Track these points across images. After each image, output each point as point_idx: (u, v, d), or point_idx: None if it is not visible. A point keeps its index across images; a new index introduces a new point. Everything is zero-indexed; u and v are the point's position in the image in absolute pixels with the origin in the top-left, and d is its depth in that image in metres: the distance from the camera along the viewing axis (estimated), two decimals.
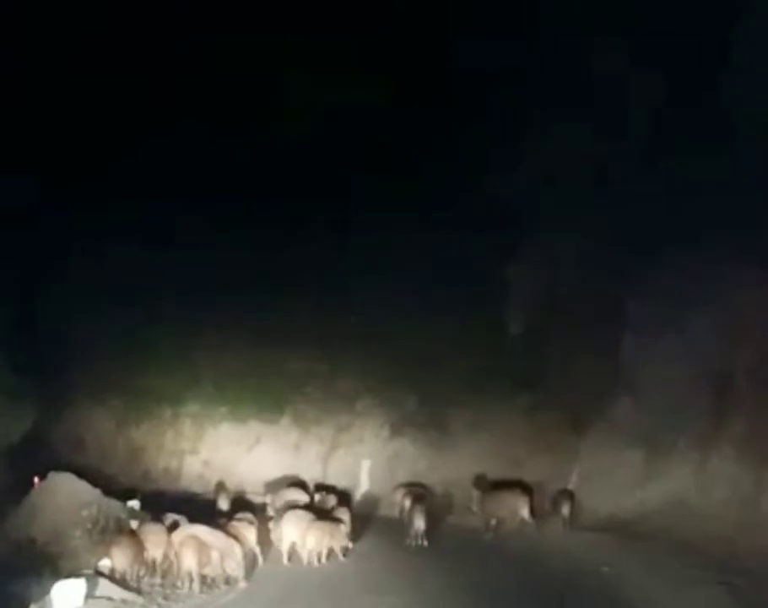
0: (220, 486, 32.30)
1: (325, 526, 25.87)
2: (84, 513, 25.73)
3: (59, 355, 33.81)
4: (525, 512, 28.75)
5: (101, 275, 33.75)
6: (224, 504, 30.59)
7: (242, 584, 23.30)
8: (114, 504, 27.27)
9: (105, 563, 23.21)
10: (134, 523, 25.91)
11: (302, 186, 32.84)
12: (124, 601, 21.43)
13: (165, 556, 24.00)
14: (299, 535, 25.49)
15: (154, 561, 23.95)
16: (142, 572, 23.63)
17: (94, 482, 27.50)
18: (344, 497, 31.53)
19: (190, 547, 23.13)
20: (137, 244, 33.30)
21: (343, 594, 22.31)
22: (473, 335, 33.28)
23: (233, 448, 35.06)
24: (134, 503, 28.25)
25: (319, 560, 25.34)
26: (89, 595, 20.86)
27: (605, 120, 29.75)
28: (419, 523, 27.41)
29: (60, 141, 32.36)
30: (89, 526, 25.43)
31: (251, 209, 32.94)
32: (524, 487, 29.78)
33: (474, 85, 31.48)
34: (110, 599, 21.36)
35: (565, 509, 29.17)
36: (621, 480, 29.86)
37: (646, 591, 21.02)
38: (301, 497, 30.14)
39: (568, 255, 31.50)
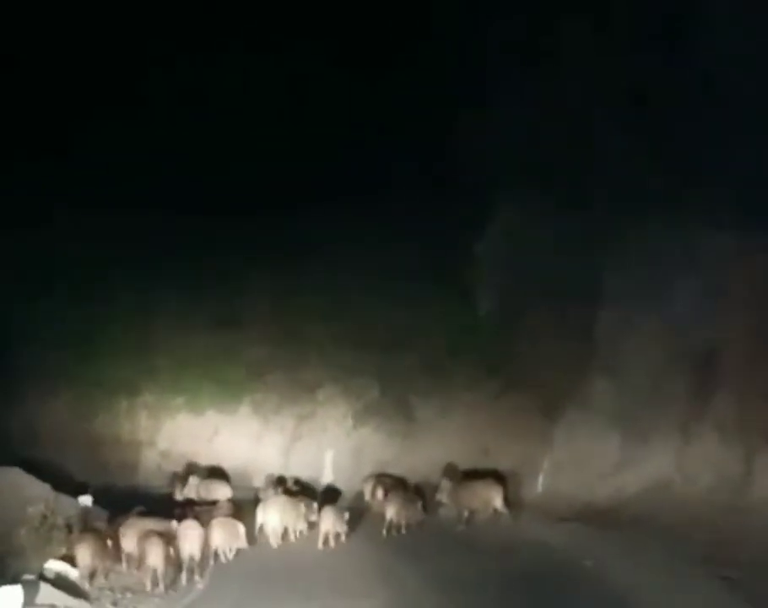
0: (177, 477, 30.35)
1: (336, 510, 25.15)
2: (31, 509, 22.94)
3: (8, 346, 31.29)
4: (498, 502, 26.55)
5: (49, 262, 31.60)
6: (181, 495, 29.12)
7: (200, 585, 21.15)
8: (64, 500, 24.84)
9: (51, 566, 20.90)
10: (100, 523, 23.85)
11: (253, 165, 31.00)
12: None
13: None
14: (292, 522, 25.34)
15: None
16: (107, 571, 21.72)
17: (47, 477, 25.43)
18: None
19: (154, 543, 21.11)
20: (86, 228, 31.10)
21: (313, 594, 19.83)
22: (439, 316, 31.44)
23: (191, 440, 32.45)
24: (86, 499, 25.92)
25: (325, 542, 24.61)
26: (29, 602, 18.49)
27: (577, 81, 27.74)
28: (390, 514, 25.82)
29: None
30: (37, 524, 22.69)
31: (202, 192, 30.96)
32: (497, 477, 27.69)
33: (437, 45, 29.60)
34: (52, 606, 18.96)
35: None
36: (597, 467, 27.90)
37: (638, 589, 18.59)
38: (227, 492, 28.53)
39: (539, 226, 29.23)
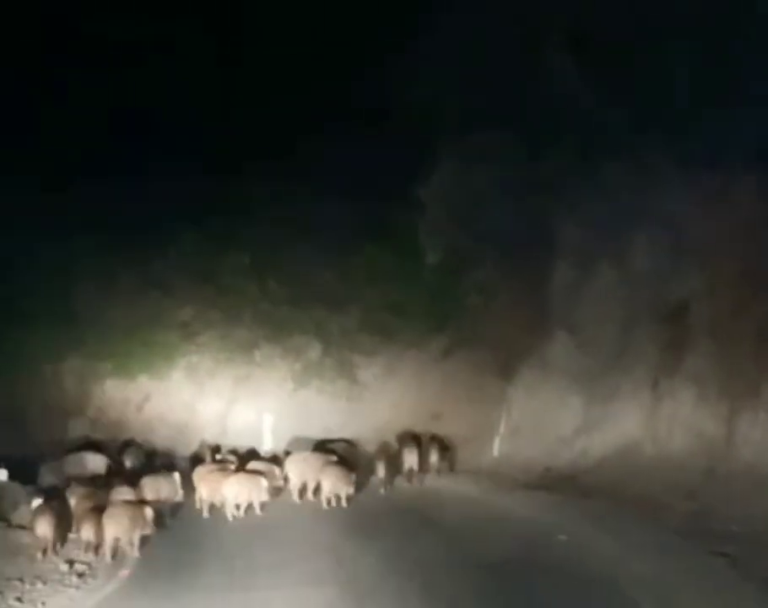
0: (128, 444, 27.52)
1: (340, 470, 23.27)
2: None
3: None
4: (414, 462, 25.43)
5: None
6: (129, 462, 26.33)
7: (124, 572, 17.70)
8: None
9: None
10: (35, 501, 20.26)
11: (174, 119, 27.82)
12: None
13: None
14: (312, 477, 23.43)
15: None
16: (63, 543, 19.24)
17: None
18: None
19: (114, 515, 18.66)
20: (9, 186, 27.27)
21: (254, 582, 16.22)
22: (382, 267, 29.07)
23: (121, 407, 29.62)
24: (0, 473, 22.74)
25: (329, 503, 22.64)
26: None
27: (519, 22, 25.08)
28: (381, 472, 24.53)
29: None
30: None
31: (131, 148, 27.87)
32: (415, 438, 26.48)
33: None
34: None
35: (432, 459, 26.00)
36: (558, 430, 25.54)
37: (625, 567, 15.37)
38: (99, 462, 25.39)
39: (487, 170, 26.69)
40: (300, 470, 23.54)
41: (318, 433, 28.01)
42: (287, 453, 25.43)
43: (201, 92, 28.34)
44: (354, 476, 22.86)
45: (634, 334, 23.63)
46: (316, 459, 23.97)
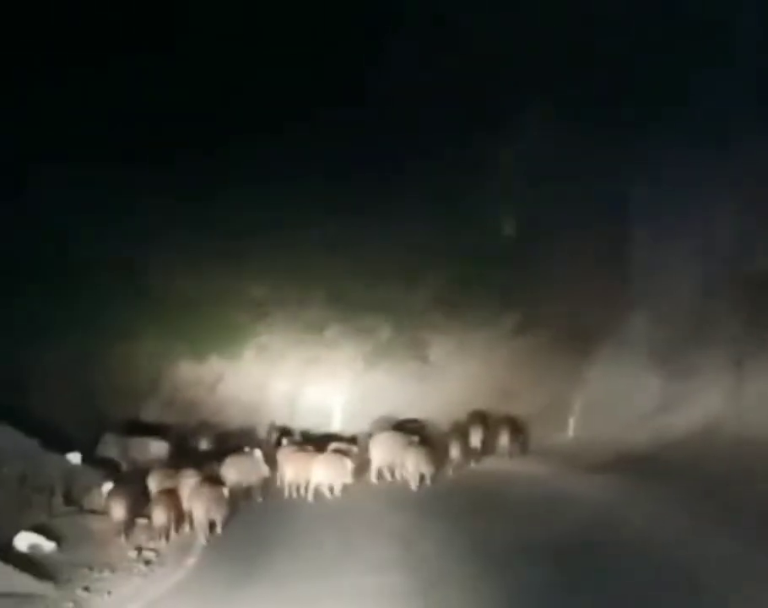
0: (202, 427, 27.73)
1: (424, 450, 23.07)
2: (5, 469, 20.03)
3: None
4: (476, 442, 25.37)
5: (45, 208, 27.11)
6: (204, 444, 26.63)
7: (191, 559, 17.71)
8: (49, 458, 21.74)
9: (24, 537, 17.76)
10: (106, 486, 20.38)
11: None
12: (29, 596, 15.48)
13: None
14: (396, 457, 23.53)
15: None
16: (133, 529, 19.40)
17: (35, 431, 22.24)
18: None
19: (200, 497, 19.13)
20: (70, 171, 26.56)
21: (334, 573, 15.86)
22: (451, 241, 27.45)
23: (194, 388, 29.24)
24: (74, 456, 22.75)
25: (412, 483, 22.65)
26: None
27: None
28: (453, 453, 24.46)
29: None
30: (16, 485, 19.87)
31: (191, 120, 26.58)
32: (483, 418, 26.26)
33: None
34: (10, 595, 15.43)
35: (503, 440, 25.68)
36: (636, 409, 24.62)
37: (705, 553, 14.42)
38: (162, 448, 25.76)
39: (558, 138, 25.13)
40: (384, 451, 23.45)
41: (389, 413, 27.53)
42: (369, 435, 25.22)
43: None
44: (435, 456, 22.76)
45: (714, 307, 22.70)
46: (399, 440, 23.70)
